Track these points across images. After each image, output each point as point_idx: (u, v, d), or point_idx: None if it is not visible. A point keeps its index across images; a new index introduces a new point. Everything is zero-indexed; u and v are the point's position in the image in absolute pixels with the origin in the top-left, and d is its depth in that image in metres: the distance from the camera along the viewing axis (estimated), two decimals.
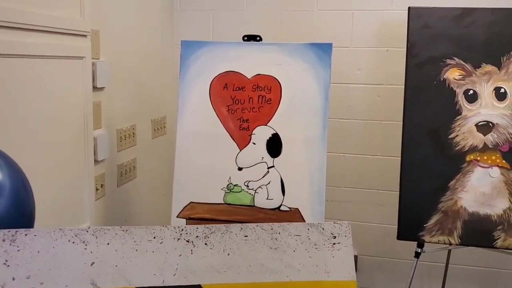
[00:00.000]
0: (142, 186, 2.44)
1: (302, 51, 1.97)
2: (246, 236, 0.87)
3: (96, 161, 1.94)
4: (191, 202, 1.97)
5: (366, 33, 2.56)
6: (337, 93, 2.61)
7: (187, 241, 0.85)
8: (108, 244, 0.82)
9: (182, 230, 0.86)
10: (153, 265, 0.83)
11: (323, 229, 0.89)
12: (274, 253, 0.87)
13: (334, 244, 0.88)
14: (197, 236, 0.86)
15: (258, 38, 2.04)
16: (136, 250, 0.83)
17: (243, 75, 2.00)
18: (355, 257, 2.73)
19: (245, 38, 2.05)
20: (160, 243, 0.85)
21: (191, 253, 0.85)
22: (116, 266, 0.82)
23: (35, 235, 0.80)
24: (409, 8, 1.99)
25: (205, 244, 0.86)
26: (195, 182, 1.97)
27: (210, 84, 2.01)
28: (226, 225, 0.88)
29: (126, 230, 0.84)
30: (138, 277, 0.82)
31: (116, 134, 2.14)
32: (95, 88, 1.90)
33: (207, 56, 2.01)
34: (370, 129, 2.63)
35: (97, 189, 1.98)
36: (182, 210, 1.96)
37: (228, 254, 0.86)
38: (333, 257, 0.88)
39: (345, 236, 0.89)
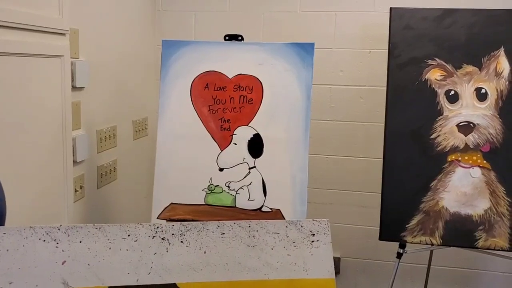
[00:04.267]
0: (123, 188, 2.40)
1: (284, 51, 1.96)
2: (223, 233, 0.85)
3: (75, 162, 1.90)
4: (171, 203, 1.94)
5: (349, 34, 2.57)
6: (320, 94, 2.61)
7: (162, 238, 0.83)
8: (80, 242, 0.79)
9: (158, 227, 0.84)
10: (127, 264, 0.80)
11: (301, 226, 0.88)
12: (252, 251, 0.85)
13: (312, 241, 0.87)
14: (172, 234, 0.84)
15: (239, 38, 2.03)
16: (110, 249, 0.80)
17: (224, 75, 1.98)
18: (338, 259, 2.72)
19: (227, 37, 2.04)
20: (135, 241, 0.82)
21: (167, 251, 0.83)
22: (88, 264, 0.79)
23: (4, 233, 0.77)
24: (390, 8, 2.00)
25: (181, 242, 0.84)
26: (176, 183, 1.94)
27: (191, 84, 1.98)
28: (203, 223, 0.86)
29: (99, 228, 0.81)
30: (111, 276, 0.79)
31: (96, 135, 2.11)
32: (74, 88, 1.86)
33: (189, 56, 1.99)
34: (353, 130, 2.64)
35: (76, 191, 1.94)
36: (163, 211, 1.93)
37: (205, 252, 0.84)
38: (311, 255, 0.86)
39: (324, 233, 0.88)
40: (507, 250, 1.86)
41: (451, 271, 2.62)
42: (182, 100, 1.98)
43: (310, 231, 0.87)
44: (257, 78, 1.97)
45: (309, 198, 2.67)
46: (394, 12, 2.00)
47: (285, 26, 2.60)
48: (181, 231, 0.84)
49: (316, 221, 0.88)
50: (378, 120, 2.51)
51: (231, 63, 1.99)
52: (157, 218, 1.90)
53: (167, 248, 0.82)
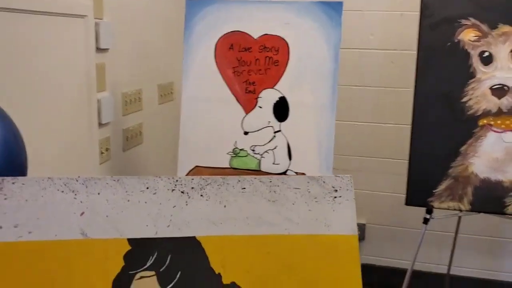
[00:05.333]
0: (149, 151, 2.43)
1: (311, 9, 1.89)
2: (244, 188, 0.84)
3: (100, 124, 1.91)
4: (196, 166, 1.94)
5: None
6: (349, 59, 2.54)
7: (182, 192, 0.82)
8: (98, 194, 0.80)
9: (177, 181, 0.83)
10: (145, 216, 0.81)
11: (324, 182, 0.86)
12: (272, 205, 0.84)
13: (335, 197, 0.85)
14: (192, 188, 0.83)
15: None
16: (128, 201, 0.80)
17: (249, 35, 1.93)
18: (363, 225, 2.71)
19: None
20: (154, 193, 0.82)
21: (186, 205, 0.82)
22: (107, 216, 0.79)
23: (23, 184, 0.78)
24: None
25: (201, 195, 0.83)
26: (201, 146, 1.94)
27: (216, 45, 1.95)
28: (223, 177, 0.85)
29: (118, 180, 0.81)
30: (130, 228, 0.79)
31: (121, 98, 2.11)
32: (98, 49, 1.86)
33: (212, 16, 1.95)
34: (383, 96, 2.57)
35: (101, 153, 1.96)
36: (187, 174, 1.94)
37: (225, 206, 0.83)
38: (333, 210, 0.85)
39: (347, 189, 0.85)
40: None
41: (478, 240, 2.58)
42: (206, 62, 1.95)
43: (333, 187, 0.85)
44: (283, 39, 1.92)
45: (336, 164, 2.64)
46: None
47: None
48: (201, 185, 0.83)
49: (339, 176, 0.86)
50: (409, 86, 2.42)
51: (257, 23, 1.94)
52: None
53: (186, 202, 0.82)
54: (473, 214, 1.89)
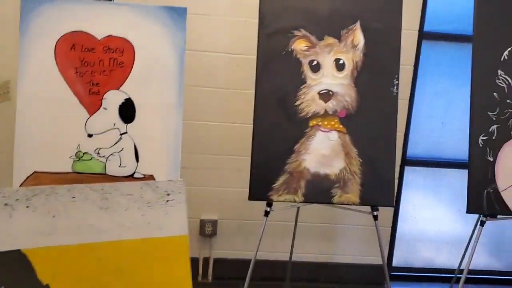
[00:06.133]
0: None
1: (157, 13, 1.92)
2: (74, 197, 0.85)
3: None
4: (35, 172, 1.83)
5: (225, 2, 2.58)
6: (198, 61, 2.62)
7: (5, 204, 0.80)
8: None
9: (0, 193, 0.80)
10: None
11: (157, 187, 0.90)
12: (105, 213, 0.86)
13: (167, 201, 0.90)
14: (17, 199, 0.81)
15: None
16: None
17: (92, 35, 1.89)
18: (215, 221, 2.82)
19: None
20: None
21: (10, 217, 0.80)
22: None
23: None
24: None
25: (27, 207, 0.81)
26: (40, 150, 1.84)
27: (56, 45, 1.86)
28: (52, 187, 0.84)
29: None
30: None
31: None
32: None
33: (51, 14, 1.85)
34: (230, 97, 2.70)
35: None
36: (25, 180, 1.82)
37: (54, 216, 0.82)
38: (166, 213, 0.90)
39: (179, 193, 0.91)
40: (358, 204, 2.10)
41: (316, 227, 2.88)
42: (45, 61, 1.85)
43: (165, 191, 0.90)
44: (128, 41, 1.91)
45: (186, 163, 2.72)
46: None
47: None
48: (26, 196, 0.82)
49: (171, 181, 0.91)
50: (253, 88, 2.60)
51: (100, 23, 1.90)
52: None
53: (10, 214, 0.79)
54: (306, 204, 2.12)
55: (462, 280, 2.13)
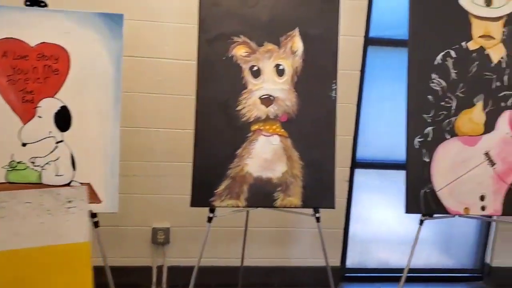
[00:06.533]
0: None
1: (92, 20, 1.91)
2: None
3: None
4: None
5: (175, 8, 2.58)
6: (147, 68, 2.61)
7: None
8: None
9: None
10: None
11: (58, 194, 0.89)
12: (1, 222, 0.84)
13: (69, 208, 0.89)
14: None
15: (42, 4, 1.91)
16: None
17: (25, 43, 1.86)
18: (167, 229, 2.80)
19: (28, 3, 1.90)
20: None
21: None
22: None
23: None
24: None
25: None
26: None
27: None
28: None
29: None
30: None
31: None
32: None
33: None
34: (180, 104, 2.69)
35: None
36: None
37: None
38: (67, 221, 0.89)
39: (81, 200, 0.91)
40: (300, 207, 2.12)
41: (269, 231, 2.89)
42: None
43: (67, 198, 0.89)
44: (63, 48, 1.89)
45: (138, 171, 2.69)
46: None
47: None
48: None
49: (73, 188, 0.90)
50: None
51: (34, 30, 1.87)
52: None
53: None
54: (249, 209, 2.13)
55: (403, 279, 2.17)
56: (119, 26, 1.92)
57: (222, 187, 2.06)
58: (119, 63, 1.92)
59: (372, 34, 2.82)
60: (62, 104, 1.88)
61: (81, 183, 1.89)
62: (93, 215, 1.93)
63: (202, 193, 2.05)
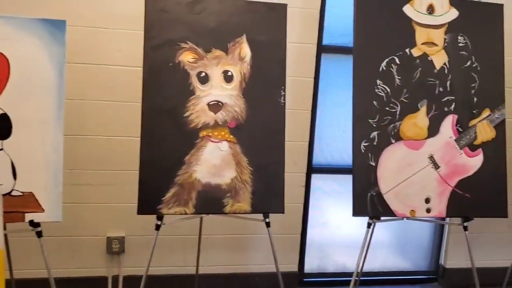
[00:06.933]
0: None
1: (33, 26, 1.88)
2: None
3: None
4: None
5: (126, 15, 2.56)
6: (96, 75, 2.58)
7: None
8: None
9: None
10: None
11: None
12: None
13: None
14: None
15: None
16: None
17: None
18: (122, 238, 2.75)
19: None
20: None
21: None
22: None
23: None
24: None
25: None
26: None
27: None
28: None
29: None
30: None
31: None
32: None
33: None
34: (131, 111, 2.66)
35: None
36: None
37: None
38: None
39: None
40: (249, 213, 2.13)
41: (226, 238, 2.88)
42: None
43: None
44: (3, 54, 1.85)
45: (90, 180, 2.64)
46: None
47: (46, 2, 2.46)
48: None
49: None
50: None
51: None
52: None
53: None
54: (198, 216, 2.12)
55: (351, 284, 2.20)
56: (62, 32, 1.90)
57: (169, 194, 2.05)
58: (62, 70, 1.89)
59: (325, 41, 2.87)
60: (1, 112, 1.83)
61: (23, 192, 1.85)
62: (36, 224, 1.90)
63: (149, 201, 2.03)
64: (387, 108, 2.24)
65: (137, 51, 2.61)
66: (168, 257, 2.81)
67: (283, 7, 2.20)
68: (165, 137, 2.06)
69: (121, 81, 2.63)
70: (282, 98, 2.17)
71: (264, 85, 2.16)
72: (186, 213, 2.07)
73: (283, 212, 2.17)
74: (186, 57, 2.09)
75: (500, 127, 2.34)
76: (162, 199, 2.04)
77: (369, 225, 2.21)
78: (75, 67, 2.51)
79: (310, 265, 3.13)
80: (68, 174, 2.54)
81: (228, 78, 2.13)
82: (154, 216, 2.71)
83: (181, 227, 2.67)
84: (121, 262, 2.80)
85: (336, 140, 3.04)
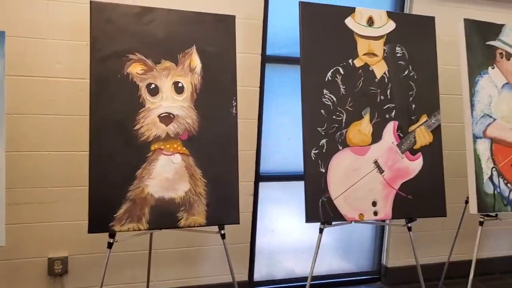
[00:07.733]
0: None
1: None
2: None
3: None
4: None
5: (65, 25, 2.46)
6: (37, 87, 2.44)
7: None
8: None
9: None
10: None
11: None
12: None
13: None
14: None
15: None
16: None
17: None
18: (65, 258, 2.62)
19: None
20: None
21: None
22: None
23: None
24: (90, 2, 2.00)
25: None
26: None
27: None
28: None
29: None
30: None
31: None
32: None
33: None
34: (74, 125, 2.55)
35: None
36: None
37: None
38: None
39: None
40: (204, 225, 2.11)
41: (176, 252, 2.83)
42: None
43: None
44: None
45: (30, 198, 2.49)
46: (94, 6, 2.00)
47: None
48: None
49: None
50: None
51: None
52: None
53: None
54: (152, 231, 2.07)
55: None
56: (1, 43, 1.78)
57: (121, 210, 1.98)
58: (2, 84, 1.78)
59: (269, 52, 2.92)
60: None
61: None
62: None
63: (100, 218, 1.96)
64: (334, 117, 2.32)
65: (77, 63, 2.51)
66: (116, 274, 2.71)
67: (232, 18, 2.22)
68: (115, 151, 1.99)
69: (61, 94, 2.51)
70: (234, 108, 2.18)
71: (216, 96, 2.16)
72: (139, 229, 2.01)
73: (238, 223, 2.17)
74: (134, 69, 2.04)
75: (436, 131, 2.51)
76: (114, 216, 1.97)
77: (321, 230, 2.27)
78: (10, 79, 2.37)
79: (260, 273, 3.15)
80: (6, 193, 2.38)
81: (178, 89, 2.11)
82: (99, 234, 2.62)
83: (131, 243, 2.58)
84: (64, 284, 2.66)
85: (283, 148, 3.09)
